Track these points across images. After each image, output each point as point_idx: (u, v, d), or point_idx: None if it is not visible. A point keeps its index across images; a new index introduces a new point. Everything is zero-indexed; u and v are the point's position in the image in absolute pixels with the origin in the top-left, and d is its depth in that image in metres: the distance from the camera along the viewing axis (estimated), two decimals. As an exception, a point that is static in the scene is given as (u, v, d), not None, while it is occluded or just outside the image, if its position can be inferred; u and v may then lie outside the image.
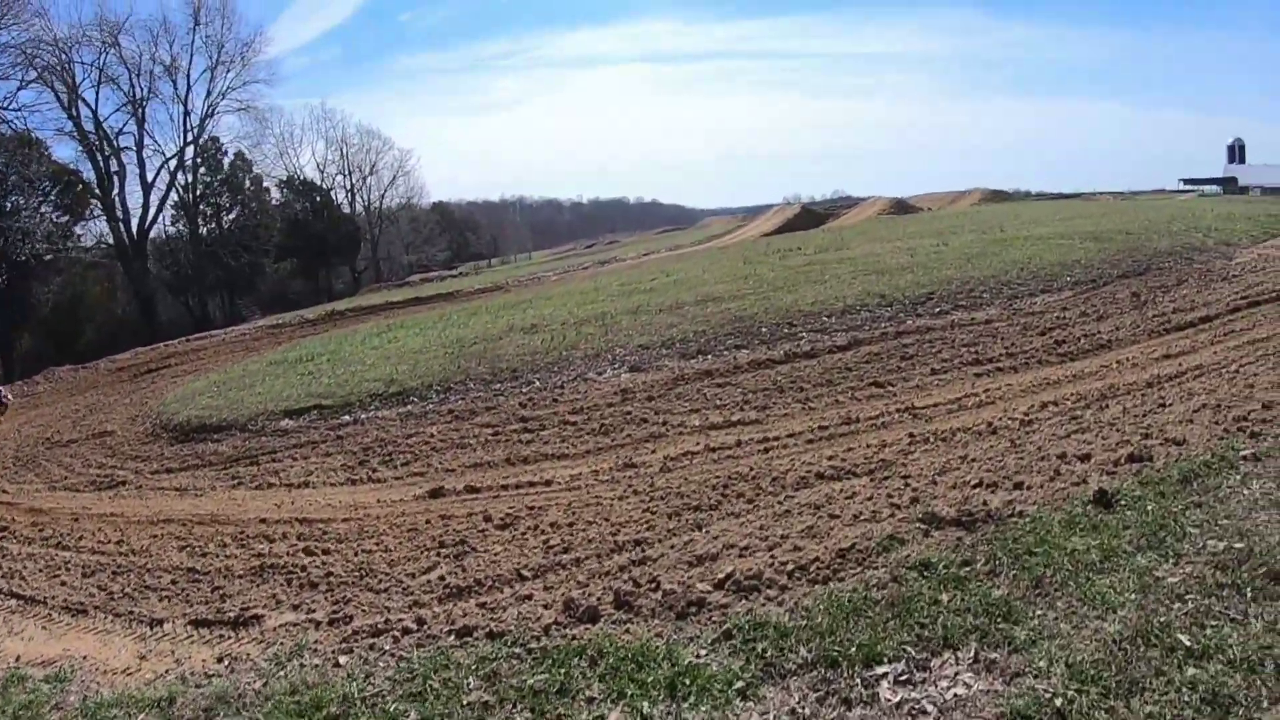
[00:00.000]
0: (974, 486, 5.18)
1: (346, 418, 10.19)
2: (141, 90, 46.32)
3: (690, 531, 5.31)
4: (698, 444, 7.39)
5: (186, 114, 48.47)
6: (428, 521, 6.17)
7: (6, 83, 38.96)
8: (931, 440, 6.50)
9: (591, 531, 5.46)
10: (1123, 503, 4.63)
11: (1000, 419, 6.80)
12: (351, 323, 24.29)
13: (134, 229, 46.40)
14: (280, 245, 54.29)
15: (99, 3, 60.69)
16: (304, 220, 56.50)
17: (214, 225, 52.22)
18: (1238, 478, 4.92)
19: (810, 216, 45.45)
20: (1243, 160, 57.22)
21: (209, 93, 49.06)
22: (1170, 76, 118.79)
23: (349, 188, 62.59)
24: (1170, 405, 6.61)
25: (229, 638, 4.83)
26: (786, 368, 9.73)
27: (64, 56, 42.27)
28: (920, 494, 5.20)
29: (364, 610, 4.82)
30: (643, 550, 5.10)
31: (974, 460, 5.80)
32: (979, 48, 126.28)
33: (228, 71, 48.98)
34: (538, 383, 10.61)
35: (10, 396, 22.73)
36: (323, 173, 60.44)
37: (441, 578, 5.08)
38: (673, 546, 5.08)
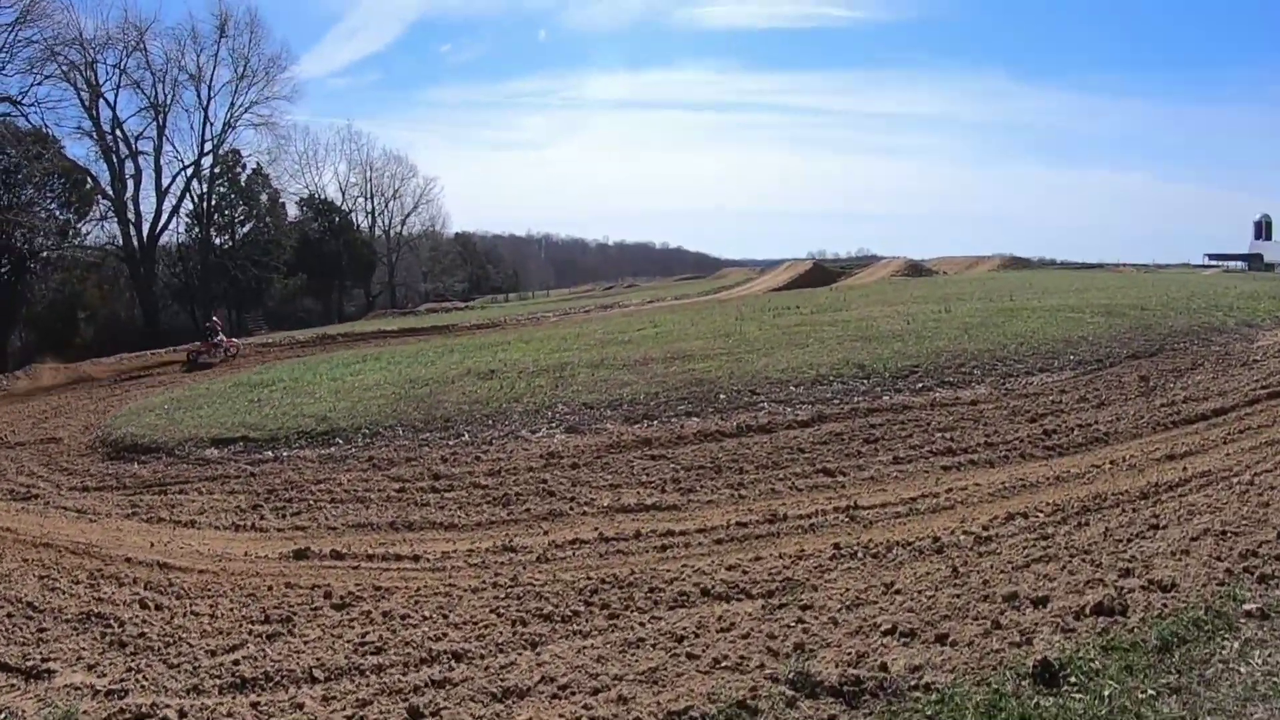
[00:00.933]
0: (883, 634, 4.03)
1: (269, 453, 9.77)
2: (164, 96, 46.66)
3: (521, 650, 4.41)
4: (595, 530, 6.47)
5: (207, 123, 48.75)
6: (270, 588, 5.68)
7: (25, 77, 39.13)
8: (859, 555, 5.36)
9: (417, 631, 4.79)
10: (1072, 680, 3.47)
11: (952, 532, 5.63)
12: (340, 348, 23.75)
13: (144, 233, 46.36)
14: (292, 262, 54.20)
15: (126, 5, 61.43)
16: (320, 239, 56.44)
17: (227, 236, 52.29)
18: (1236, 645, 3.76)
19: (821, 274, 44.40)
20: (1269, 237, 56.09)
21: (232, 105, 49.41)
22: (1198, 150, 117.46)
23: (370, 211, 62.70)
24: (1164, 528, 5.41)
25: (16, 689, 4.47)
26: (734, 443, 8.64)
27: (89, 55, 42.63)
28: (810, 638, 4.09)
29: (144, 686, 4.35)
30: (453, 667, 4.27)
31: (899, 592, 4.63)
32: (1008, 113, 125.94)
33: (249, 86, 49.33)
34: (467, 436, 9.85)
35: (236, 344, 23.72)
36: (344, 194, 60.63)
37: (237, 662, 4.53)
38: (488, 669, 4.20)
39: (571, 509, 7.22)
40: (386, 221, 63.96)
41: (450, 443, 9.68)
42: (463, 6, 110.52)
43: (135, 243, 45.97)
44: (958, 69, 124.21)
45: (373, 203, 62.53)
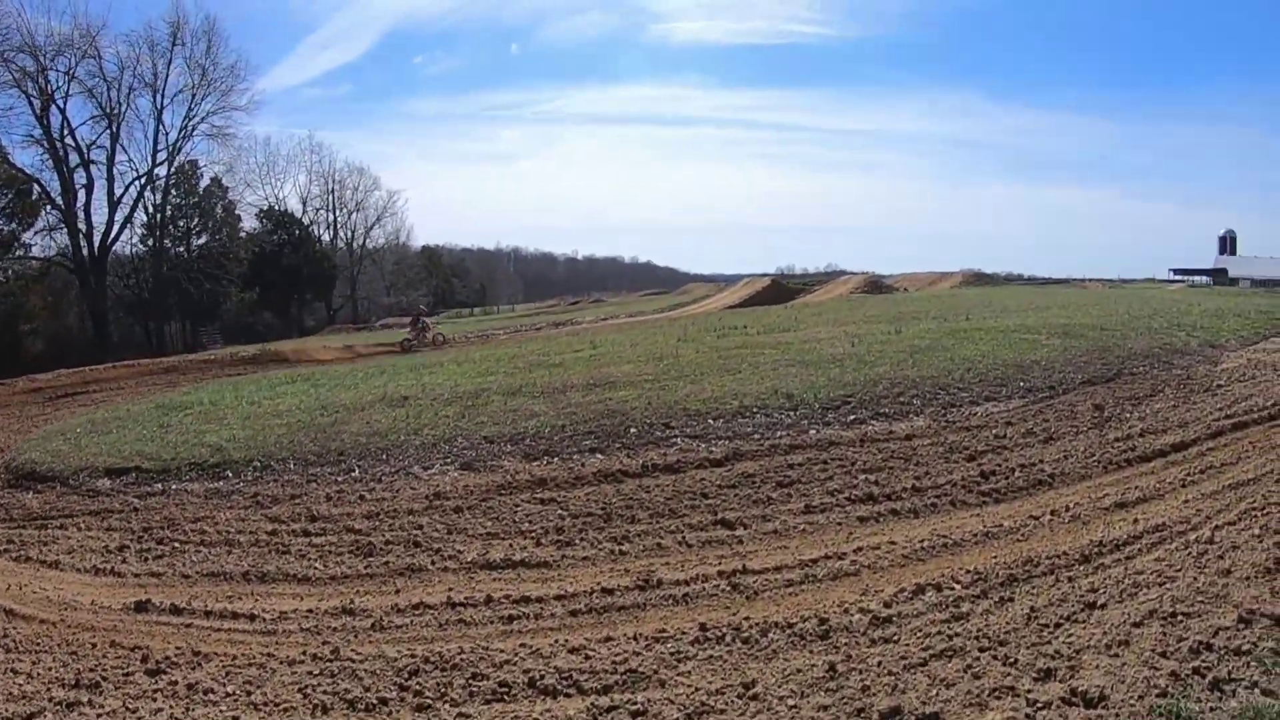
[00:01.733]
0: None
1: (159, 486, 8.98)
2: (118, 104, 45.23)
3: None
4: (446, 592, 5.67)
5: (161, 133, 47.48)
6: (95, 645, 5.18)
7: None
8: (727, 640, 4.35)
9: (214, 710, 4.25)
10: None
11: (847, 609, 4.59)
12: (280, 366, 22.78)
13: (95, 244, 44.84)
14: (249, 275, 52.85)
15: (75, 12, 59.64)
16: (278, 252, 55.10)
17: (183, 248, 50.73)
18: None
19: (779, 291, 43.63)
20: (1234, 252, 56.51)
21: (188, 114, 48.08)
22: (1164, 168, 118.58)
23: (331, 223, 61.39)
24: (1103, 607, 4.40)
25: None
26: (634, 485, 7.62)
27: (41, 63, 41.25)
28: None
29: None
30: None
31: (756, 697, 3.66)
32: (979, 131, 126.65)
33: (206, 96, 48.08)
34: (358, 472, 8.90)
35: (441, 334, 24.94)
36: (305, 205, 59.28)
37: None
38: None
39: (434, 563, 6.37)
40: (349, 234, 62.74)
41: (339, 479, 8.78)
42: (436, 19, 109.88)
43: (85, 254, 44.43)
44: (929, 87, 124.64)
45: (334, 215, 61.35)
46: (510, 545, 6.58)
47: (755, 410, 9.46)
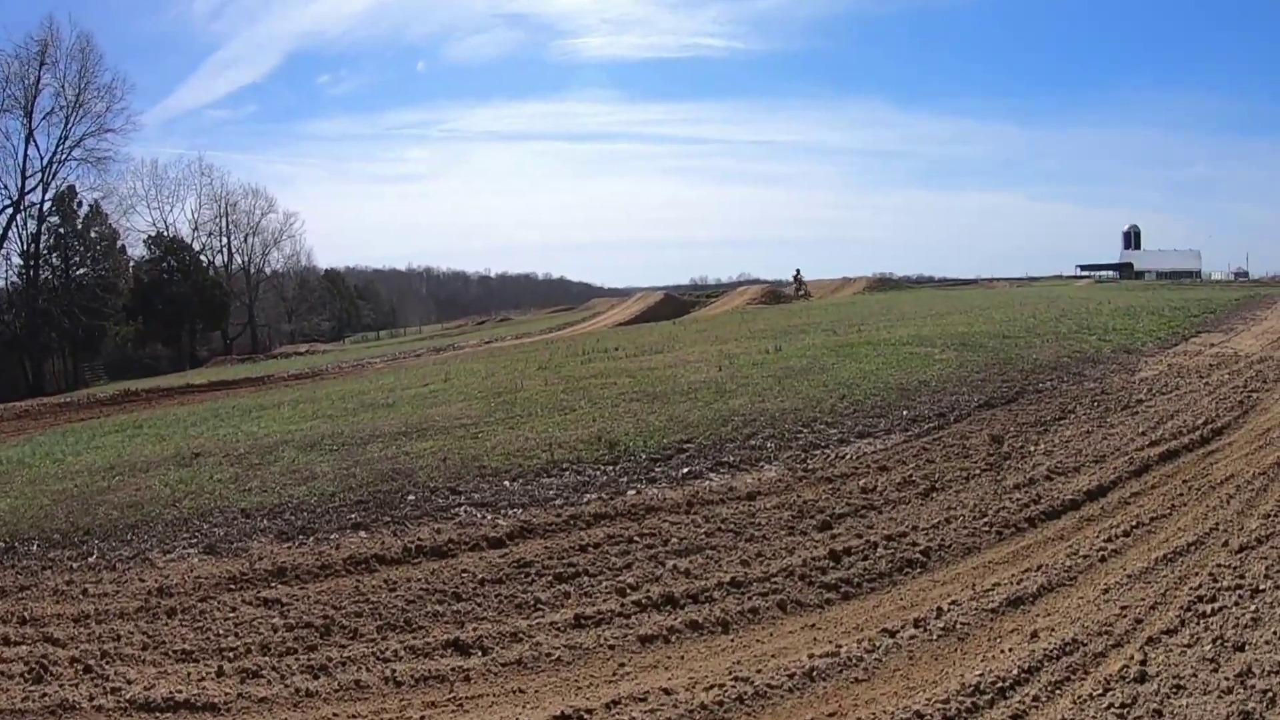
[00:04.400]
0: None
1: None
2: None
3: None
4: None
5: (31, 157, 43.22)
6: None
7: None
8: None
9: None
10: None
11: None
12: (140, 408, 19.76)
13: None
14: (133, 306, 48.92)
15: None
16: (166, 280, 51.22)
17: (63, 279, 46.47)
18: None
19: (671, 305, 41.94)
20: (1138, 246, 57.31)
21: (62, 137, 44.00)
22: (1069, 170, 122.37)
23: (225, 247, 57.56)
24: None
25: None
26: (384, 577, 5.52)
27: None
28: None
29: None
30: None
31: None
32: (885, 140, 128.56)
33: (79, 119, 44.09)
34: (95, 556, 6.76)
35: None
36: (196, 230, 55.38)
37: None
38: None
39: (91, 699, 4.49)
40: (244, 259, 59.03)
41: (75, 565, 6.73)
42: (341, 37, 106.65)
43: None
44: (835, 97, 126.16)
45: (228, 239, 57.59)
46: (190, 673, 4.62)
47: (566, 465, 7.30)
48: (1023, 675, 3.55)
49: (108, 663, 4.88)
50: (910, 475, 6.71)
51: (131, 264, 51.63)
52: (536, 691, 4.12)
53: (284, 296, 61.68)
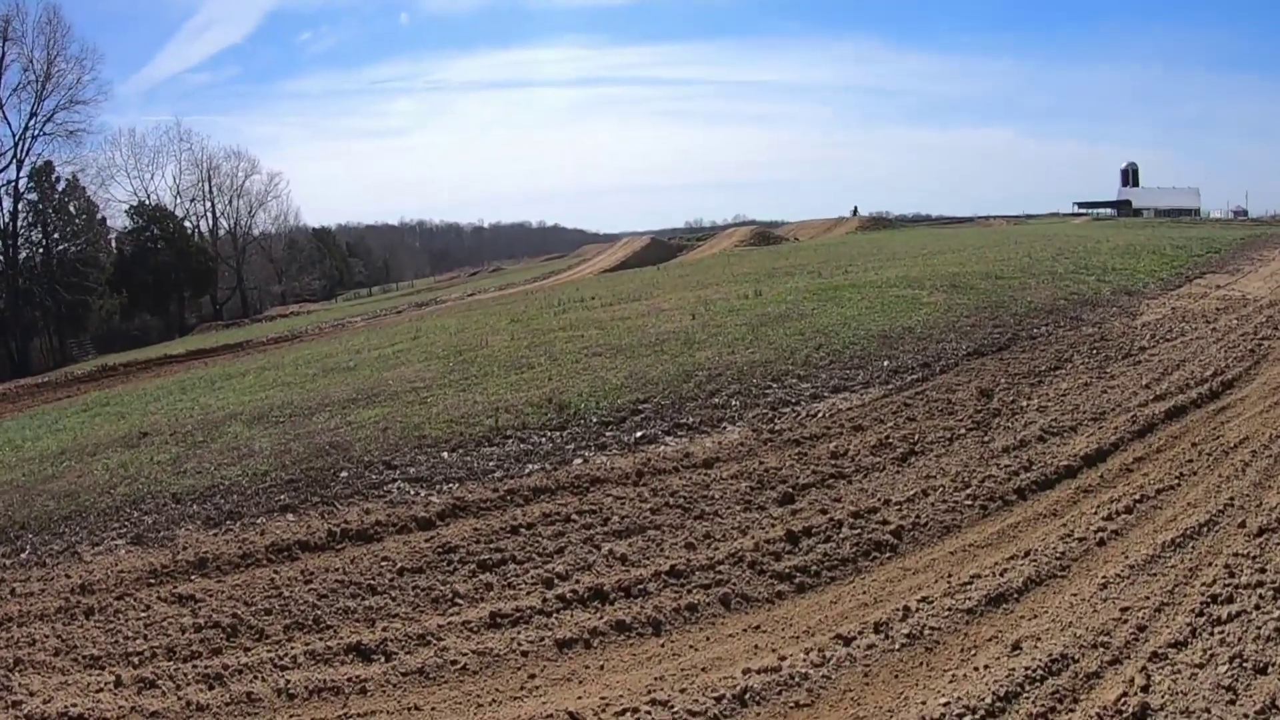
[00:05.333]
0: None
1: None
2: None
3: None
4: None
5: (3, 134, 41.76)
6: None
7: None
8: None
9: None
10: None
11: None
12: (117, 383, 19.29)
13: None
14: (117, 279, 47.78)
15: None
16: (149, 250, 50.00)
17: (44, 256, 45.36)
18: None
19: (657, 250, 40.95)
20: (1136, 183, 55.99)
21: (34, 113, 42.50)
22: (1066, 107, 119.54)
23: (208, 213, 56.16)
24: None
25: None
26: (303, 566, 5.05)
27: None
28: None
29: None
30: None
31: None
32: (878, 77, 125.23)
33: (49, 93, 42.44)
34: (29, 552, 6.22)
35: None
36: (178, 197, 53.95)
37: None
38: None
39: None
40: (230, 222, 57.63)
41: (8, 563, 6.20)
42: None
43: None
44: (827, 35, 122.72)
45: (212, 203, 56.09)
46: (90, 683, 4.16)
47: (511, 432, 6.62)
48: (997, 704, 2.91)
49: (19, 672, 4.43)
50: (887, 436, 6.03)
51: (114, 235, 50.33)
52: (433, 709, 3.52)
53: (272, 258, 60.44)
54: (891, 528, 4.60)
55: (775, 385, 7.20)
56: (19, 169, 42.71)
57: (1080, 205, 57.46)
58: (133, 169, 51.64)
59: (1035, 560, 4.09)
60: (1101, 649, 3.18)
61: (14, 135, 41.96)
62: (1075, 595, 3.65)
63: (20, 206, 43.58)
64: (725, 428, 6.43)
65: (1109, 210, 53.31)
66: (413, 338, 14.36)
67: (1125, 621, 3.35)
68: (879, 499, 4.99)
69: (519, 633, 3.98)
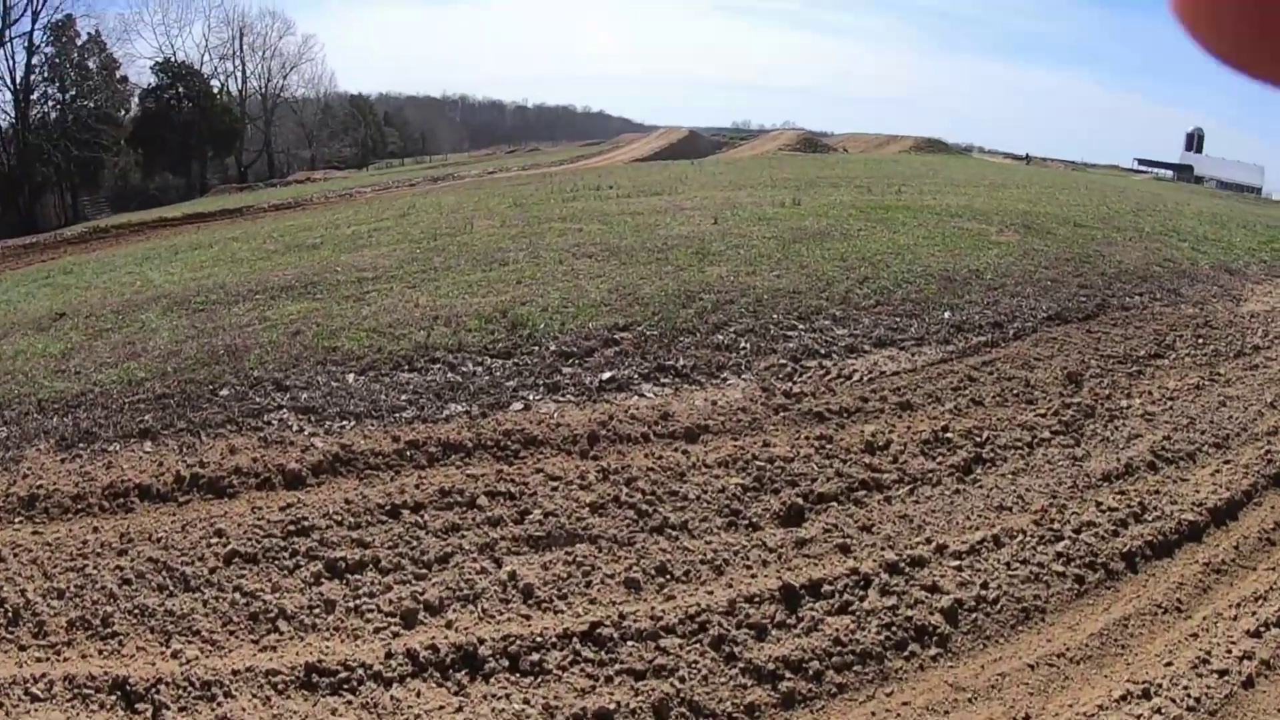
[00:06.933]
0: None
1: None
2: None
3: None
4: None
5: None
6: None
7: None
8: None
9: None
10: None
11: None
12: (106, 245, 17.98)
13: None
14: (139, 136, 45.64)
15: None
16: (172, 108, 47.57)
17: (60, 113, 43.26)
18: None
19: (696, 143, 38.75)
20: (1200, 150, 52.15)
21: None
22: (1140, 60, 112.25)
23: (238, 71, 53.25)
24: None
25: None
26: (122, 529, 3.91)
27: None
28: None
29: None
30: None
31: None
32: (965, 5, 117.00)
33: None
34: None
35: None
36: (207, 54, 51.01)
37: None
38: None
39: None
40: (261, 84, 54.77)
41: None
42: None
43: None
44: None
45: (243, 62, 53.02)
46: None
47: (441, 354, 5.04)
48: None
49: None
50: (946, 427, 4.40)
51: (137, 92, 47.79)
52: None
53: (303, 122, 57.79)
54: (944, 602, 3.03)
55: (801, 326, 5.53)
56: (34, 21, 40.03)
57: (1141, 161, 53.88)
58: (159, 25, 48.64)
59: (1159, 707, 2.52)
60: None
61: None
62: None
63: (35, 61, 41.19)
64: (726, 380, 4.80)
65: (1169, 172, 49.86)
66: (401, 215, 12.85)
67: None
68: (929, 538, 3.42)
69: (335, 705, 2.48)
